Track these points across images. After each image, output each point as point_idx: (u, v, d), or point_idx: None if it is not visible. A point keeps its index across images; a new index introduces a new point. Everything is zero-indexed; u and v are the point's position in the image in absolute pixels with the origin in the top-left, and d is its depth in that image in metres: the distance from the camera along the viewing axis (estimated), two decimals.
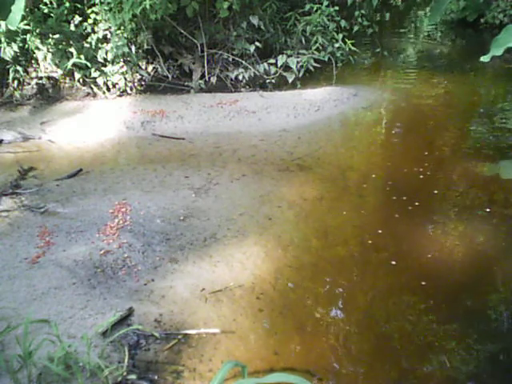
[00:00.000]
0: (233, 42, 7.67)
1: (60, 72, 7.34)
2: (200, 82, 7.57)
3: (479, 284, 3.53)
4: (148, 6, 6.50)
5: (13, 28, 6.41)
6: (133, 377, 2.72)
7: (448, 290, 3.43)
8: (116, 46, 7.00)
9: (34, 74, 7.51)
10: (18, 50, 7.08)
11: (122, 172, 5.29)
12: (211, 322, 3.15)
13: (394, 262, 3.69)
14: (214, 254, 3.80)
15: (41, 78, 7.50)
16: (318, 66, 7.71)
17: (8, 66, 7.20)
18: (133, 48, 7.18)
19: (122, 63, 7.26)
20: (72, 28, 7.18)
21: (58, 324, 2.95)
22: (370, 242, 3.93)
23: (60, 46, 7.15)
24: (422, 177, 4.87)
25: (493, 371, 2.82)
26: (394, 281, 3.55)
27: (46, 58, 7.19)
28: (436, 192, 4.64)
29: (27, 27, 6.98)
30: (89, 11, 7.21)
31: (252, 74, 7.62)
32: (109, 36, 7.21)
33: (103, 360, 2.75)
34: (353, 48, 7.95)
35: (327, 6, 7.87)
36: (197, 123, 6.59)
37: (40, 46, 7.13)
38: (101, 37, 7.17)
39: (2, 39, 6.92)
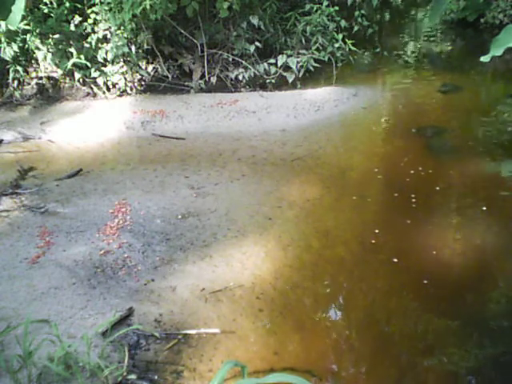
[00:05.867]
0: (233, 42, 7.67)
1: (60, 72, 7.33)
2: (200, 81, 7.57)
3: (481, 282, 3.53)
4: (148, 6, 6.49)
5: (13, 28, 6.42)
6: (133, 377, 2.72)
7: (450, 288, 3.43)
8: (116, 46, 7.00)
9: (33, 74, 7.51)
10: (18, 50, 7.08)
11: (122, 172, 5.29)
12: (211, 322, 3.15)
13: (395, 260, 3.70)
14: (214, 254, 3.80)
15: (41, 78, 7.50)
16: (318, 66, 7.70)
17: (8, 66, 7.20)
18: (133, 48, 7.18)
19: (121, 63, 7.26)
20: (72, 28, 7.18)
21: (58, 324, 2.95)
22: (372, 241, 3.93)
23: (60, 46, 7.15)
24: (422, 175, 4.86)
25: (494, 370, 2.82)
26: (395, 279, 3.55)
27: (45, 58, 7.19)
28: (438, 189, 4.63)
29: (27, 27, 6.97)
30: (89, 11, 7.20)
31: (252, 74, 7.61)
32: (109, 36, 7.20)
33: (103, 360, 2.75)
34: (353, 48, 7.94)
35: (327, 6, 7.86)
36: (197, 123, 6.59)
37: (40, 45, 7.12)
38: (101, 37, 7.16)
39: (2, 39, 6.91)
